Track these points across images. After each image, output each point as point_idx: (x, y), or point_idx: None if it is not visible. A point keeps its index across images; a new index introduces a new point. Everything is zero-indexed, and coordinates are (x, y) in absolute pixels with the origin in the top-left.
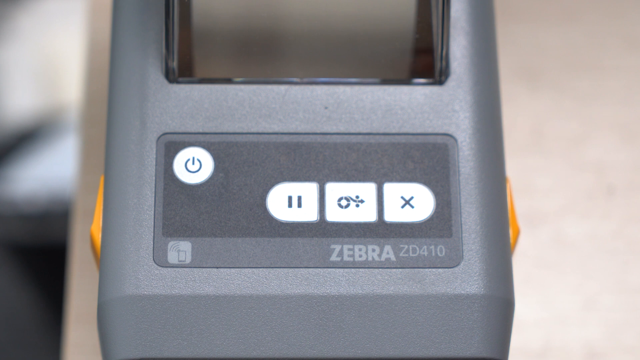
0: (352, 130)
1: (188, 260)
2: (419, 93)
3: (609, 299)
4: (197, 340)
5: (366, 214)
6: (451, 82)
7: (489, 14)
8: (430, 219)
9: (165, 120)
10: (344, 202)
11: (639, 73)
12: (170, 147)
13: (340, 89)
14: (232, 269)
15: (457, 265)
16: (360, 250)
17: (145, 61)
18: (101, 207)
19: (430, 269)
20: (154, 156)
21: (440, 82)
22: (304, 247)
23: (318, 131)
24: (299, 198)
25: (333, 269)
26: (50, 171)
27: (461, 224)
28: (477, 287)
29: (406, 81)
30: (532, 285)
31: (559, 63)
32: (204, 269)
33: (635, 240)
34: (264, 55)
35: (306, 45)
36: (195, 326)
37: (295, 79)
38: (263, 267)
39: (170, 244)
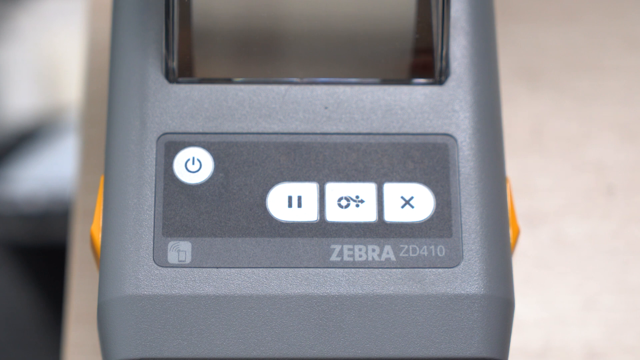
0: (352, 130)
1: (188, 260)
2: (419, 93)
3: (609, 299)
4: (197, 340)
5: (366, 214)
6: (451, 82)
7: (489, 14)
8: (430, 219)
9: (165, 120)
10: (344, 202)
11: (639, 73)
12: (170, 147)
13: (340, 89)
14: (232, 269)
15: (457, 265)
16: (360, 250)
17: (145, 61)
18: (101, 207)
19: (430, 269)
20: (154, 156)
21: (440, 82)
22: (304, 247)
23: (318, 131)
24: (299, 198)
25: (333, 269)
26: (50, 171)
27: (461, 224)
28: (477, 287)
29: (406, 81)
30: (532, 285)
31: (559, 63)
32: (204, 269)
33: (635, 240)
34: (264, 55)
35: (306, 45)
36: (195, 326)
37: (295, 79)
38: (263, 267)
39: (170, 244)
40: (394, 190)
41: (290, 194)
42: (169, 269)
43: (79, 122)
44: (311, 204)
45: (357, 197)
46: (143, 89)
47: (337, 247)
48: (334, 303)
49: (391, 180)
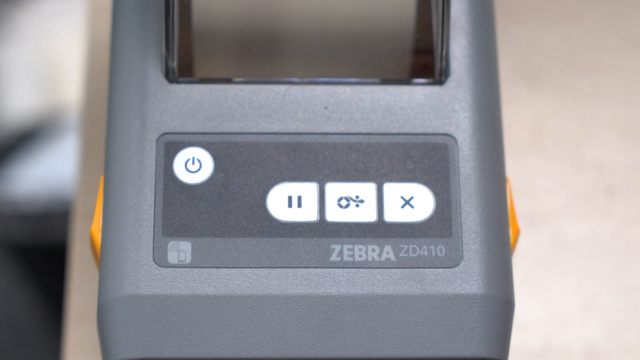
0: (352, 130)
1: (188, 260)
2: (419, 93)
3: (609, 299)
4: (197, 340)
5: (366, 214)
6: (451, 82)
7: (489, 14)
8: (430, 219)
9: (165, 120)
10: (344, 202)
11: (639, 73)
12: (170, 147)
13: (340, 89)
14: (232, 269)
15: (457, 265)
16: (360, 250)
17: (145, 61)
18: (101, 207)
19: (430, 269)
20: (154, 156)
21: (440, 82)
22: (304, 247)
23: (318, 131)
24: (299, 198)
25: (333, 269)
26: (50, 171)
27: (461, 224)
28: (477, 287)
29: (406, 81)
30: (532, 285)
31: (559, 63)
32: (204, 269)
33: (635, 240)
34: (264, 55)
35: (306, 45)
36: (195, 326)
37: (295, 79)
38: (263, 267)
39: (170, 244)
40: (394, 190)
41: (290, 194)
42: (169, 269)
43: (79, 122)
44: (311, 204)
45: (357, 197)
46: (143, 89)
47: (337, 247)
48: (334, 303)
49: (391, 180)
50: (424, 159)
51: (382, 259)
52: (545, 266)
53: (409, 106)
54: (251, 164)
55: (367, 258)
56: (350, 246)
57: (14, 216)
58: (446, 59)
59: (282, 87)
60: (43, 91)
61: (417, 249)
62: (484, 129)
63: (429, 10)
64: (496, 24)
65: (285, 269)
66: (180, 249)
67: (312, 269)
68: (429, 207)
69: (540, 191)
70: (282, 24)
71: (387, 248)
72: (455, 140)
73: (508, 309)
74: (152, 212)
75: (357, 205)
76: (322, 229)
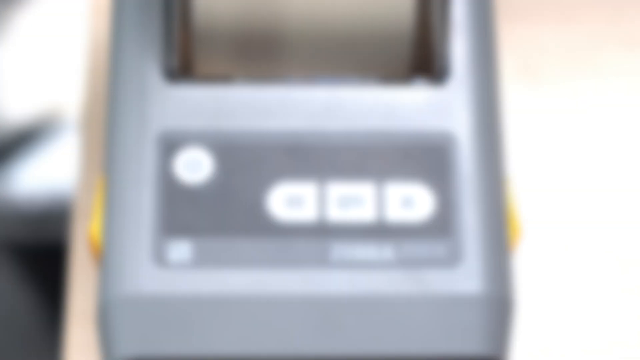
0: (352, 130)
1: (188, 260)
2: (419, 93)
3: (609, 299)
4: (197, 339)
5: (366, 213)
6: (451, 82)
7: (489, 14)
8: (430, 219)
9: (165, 120)
10: (344, 202)
11: (639, 73)
12: (170, 147)
13: (340, 89)
14: (232, 269)
15: (457, 265)
16: (360, 250)
17: (145, 61)
18: (100, 207)
19: (430, 269)
20: (154, 156)
21: (440, 82)
22: (304, 247)
23: (318, 131)
24: (299, 198)
25: (333, 269)
26: (50, 171)
27: (461, 224)
28: (477, 287)
29: (406, 81)
30: (532, 284)
31: (559, 63)
32: (203, 269)
33: (636, 240)
34: (264, 54)
35: (306, 45)
36: (195, 325)
37: (295, 79)
38: (263, 267)
39: (170, 243)
40: (394, 190)
41: (290, 194)
42: (169, 268)
43: (79, 122)
44: (311, 204)
45: (357, 197)
46: (143, 89)
47: (337, 247)
48: (334, 303)
49: (391, 180)
50: (424, 159)
51: (382, 258)
52: (545, 266)
53: (409, 106)
54: (251, 163)
55: (367, 258)
56: (350, 246)
57: (14, 216)
58: (446, 59)
59: (283, 87)
60: (43, 91)
61: (417, 248)
62: (484, 129)
63: (429, 10)
64: (496, 24)
65: (285, 269)
66: (180, 249)
67: (312, 269)
68: (429, 207)
69: (541, 191)
70: (283, 24)
71: (387, 248)
72: (456, 140)
73: (508, 308)
74: (152, 212)
75: (357, 205)
76: (322, 229)
